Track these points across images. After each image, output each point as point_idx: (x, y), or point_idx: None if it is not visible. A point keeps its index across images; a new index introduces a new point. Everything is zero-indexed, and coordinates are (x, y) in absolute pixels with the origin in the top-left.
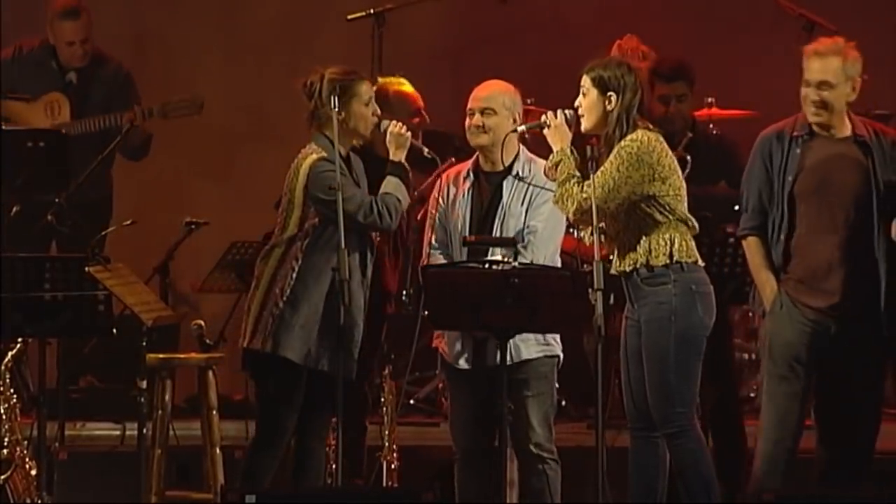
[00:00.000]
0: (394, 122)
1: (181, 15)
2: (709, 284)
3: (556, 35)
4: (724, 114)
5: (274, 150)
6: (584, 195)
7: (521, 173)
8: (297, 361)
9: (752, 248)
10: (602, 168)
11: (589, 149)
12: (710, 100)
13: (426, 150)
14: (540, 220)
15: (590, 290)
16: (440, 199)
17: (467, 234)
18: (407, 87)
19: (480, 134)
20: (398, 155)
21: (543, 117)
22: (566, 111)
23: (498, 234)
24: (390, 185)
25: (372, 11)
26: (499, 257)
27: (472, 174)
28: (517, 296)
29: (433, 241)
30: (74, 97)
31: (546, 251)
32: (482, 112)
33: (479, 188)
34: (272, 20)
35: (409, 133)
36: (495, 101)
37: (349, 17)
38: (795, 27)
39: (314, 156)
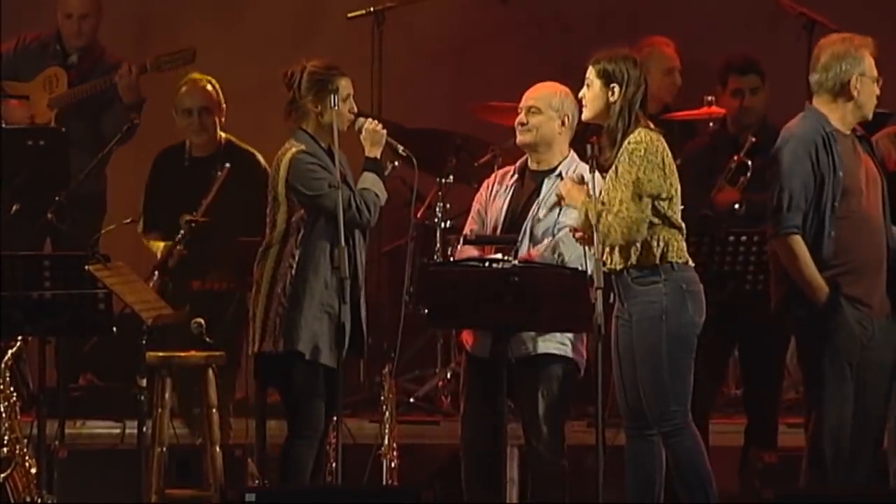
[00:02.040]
0: (369, 119)
1: (181, 13)
2: (699, 284)
3: (557, 33)
4: (723, 113)
5: (274, 149)
6: (621, 216)
7: (564, 175)
8: (308, 356)
9: (800, 245)
10: (618, 182)
11: (589, 147)
12: (710, 98)
13: (401, 148)
14: (572, 219)
15: (590, 289)
16: (484, 194)
17: (500, 227)
18: (203, 84)
19: (525, 132)
20: (374, 151)
21: (556, 193)
22: (568, 178)
23: (529, 229)
24: (367, 180)
25: (372, 10)
26: (499, 256)
27: (517, 172)
28: (517, 294)
29: (468, 233)
30: (75, 76)
31: (577, 249)
32: (528, 110)
33: (521, 184)
34: (272, 18)
35: (384, 130)
36: (542, 100)
37: (349, 15)
38: (795, 26)
39: (294, 149)
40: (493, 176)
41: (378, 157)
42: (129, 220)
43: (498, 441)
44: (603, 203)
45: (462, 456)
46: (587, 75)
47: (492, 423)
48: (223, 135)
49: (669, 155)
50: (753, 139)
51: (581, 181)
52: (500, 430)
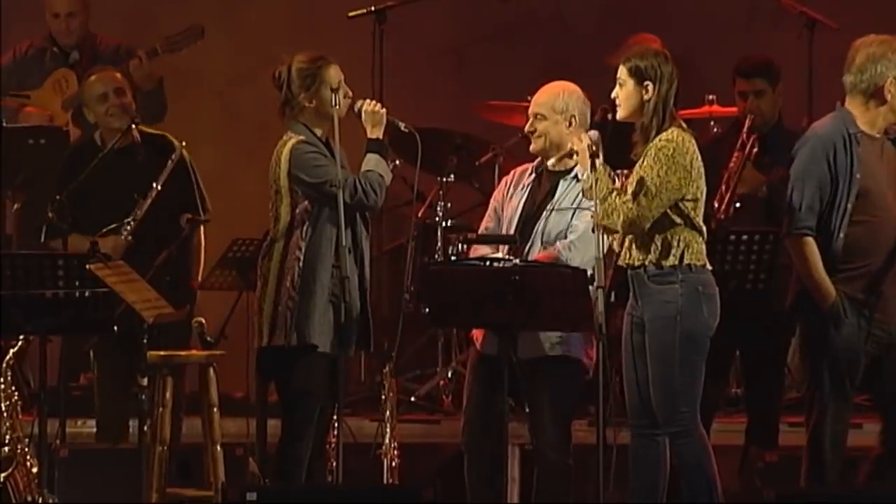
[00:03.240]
0: (368, 100)
1: (182, 15)
2: (715, 287)
3: (557, 32)
4: (724, 112)
5: (274, 149)
6: (629, 205)
7: (580, 175)
8: (323, 348)
9: (811, 247)
10: (641, 175)
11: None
12: (710, 98)
13: (402, 124)
14: (584, 221)
15: (591, 288)
16: (501, 193)
17: (514, 227)
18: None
19: (536, 139)
20: (375, 132)
21: (569, 145)
22: (590, 133)
23: (541, 230)
24: (371, 161)
25: (373, 9)
26: (499, 255)
27: (534, 171)
28: (518, 293)
29: (483, 231)
30: (81, 73)
31: (587, 253)
32: (535, 118)
33: (538, 185)
34: (272, 18)
35: (384, 110)
36: (545, 106)
37: (350, 14)
38: (796, 25)
39: (293, 140)
40: (511, 174)
41: (380, 137)
42: (129, 220)
43: (500, 440)
44: (618, 189)
45: (465, 450)
46: (619, 74)
47: (494, 420)
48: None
49: (699, 157)
50: (752, 116)
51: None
52: (502, 429)
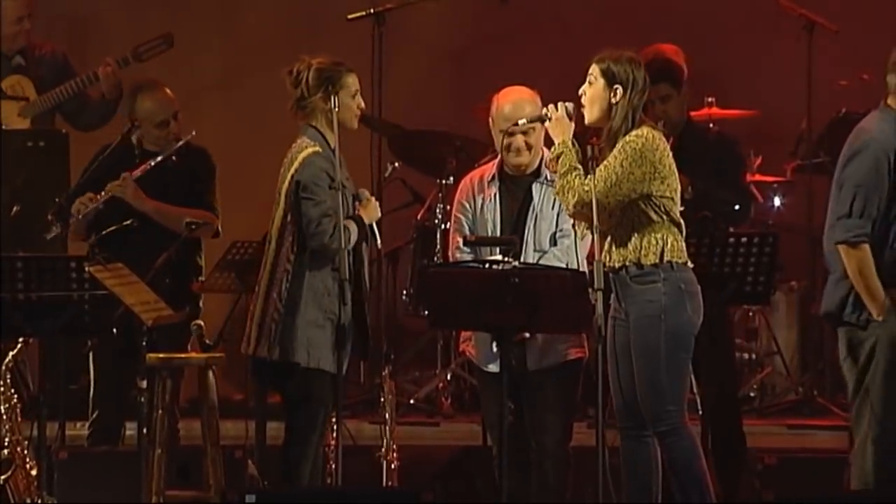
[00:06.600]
0: (373, 198)
1: (181, 16)
2: (697, 284)
3: (557, 35)
4: (723, 113)
5: (274, 151)
6: (586, 188)
7: (549, 176)
8: (304, 364)
9: (866, 255)
10: (605, 162)
11: (589, 148)
12: (710, 100)
13: (379, 240)
14: (570, 222)
15: (590, 290)
16: (466, 204)
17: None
18: (165, 89)
19: (524, 153)
20: (367, 218)
21: (545, 110)
22: (567, 104)
23: (532, 239)
24: (351, 225)
25: (372, 11)
26: (499, 257)
27: (497, 178)
28: (517, 295)
29: (461, 245)
30: (33, 79)
31: (581, 252)
32: (525, 133)
33: (506, 192)
34: (271, 20)
35: (378, 213)
36: (533, 116)
37: (349, 16)
38: (795, 27)
39: (310, 149)
40: (466, 183)
41: (368, 222)
42: (129, 222)
43: (503, 443)
44: (580, 166)
45: (497, 454)
46: (590, 72)
47: (519, 423)
48: None
49: (670, 155)
50: (661, 122)
51: (572, 116)
52: (504, 432)
